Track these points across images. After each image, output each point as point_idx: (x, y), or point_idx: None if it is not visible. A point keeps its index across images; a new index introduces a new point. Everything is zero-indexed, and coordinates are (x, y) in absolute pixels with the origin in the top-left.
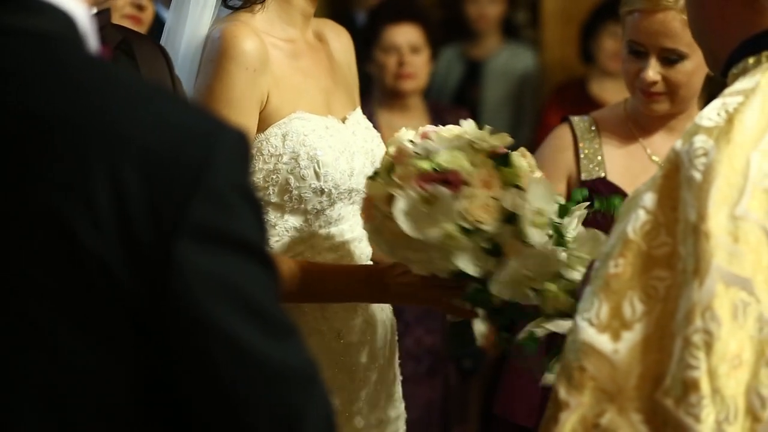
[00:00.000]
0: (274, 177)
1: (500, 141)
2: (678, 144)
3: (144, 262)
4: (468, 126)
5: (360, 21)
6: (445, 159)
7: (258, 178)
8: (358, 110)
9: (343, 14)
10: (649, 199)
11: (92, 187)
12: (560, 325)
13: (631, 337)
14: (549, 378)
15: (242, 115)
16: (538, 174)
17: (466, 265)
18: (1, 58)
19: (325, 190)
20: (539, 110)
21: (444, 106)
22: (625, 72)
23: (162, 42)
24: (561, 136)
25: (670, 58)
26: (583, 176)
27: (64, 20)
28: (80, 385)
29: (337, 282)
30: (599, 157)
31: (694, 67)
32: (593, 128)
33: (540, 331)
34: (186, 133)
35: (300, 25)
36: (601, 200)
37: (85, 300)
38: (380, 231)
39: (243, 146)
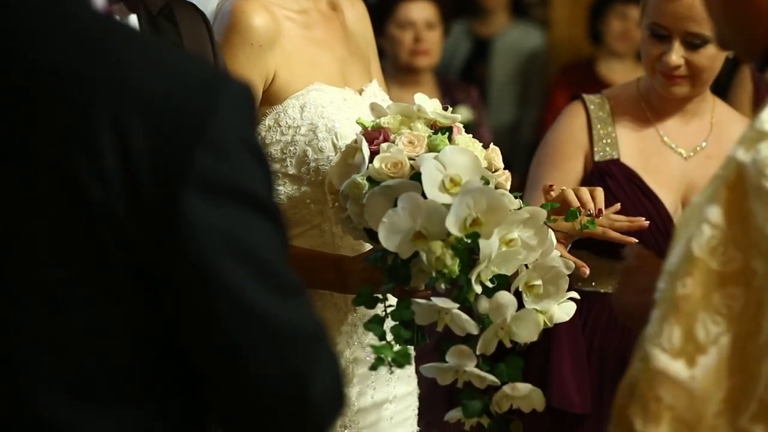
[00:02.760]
0: (291, 149)
1: (451, 120)
2: (739, 152)
3: (149, 213)
4: (430, 104)
5: None
6: (385, 120)
7: (276, 149)
8: (375, 82)
9: None
10: (713, 213)
11: (96, 136)
12: (439, 306)
13: (707, 362)
14: (452, 415)
15: None
16: (501, 170)
17: (370, 217)
18: (9, 13)
19: None
20: (546, 89)
21: (453, 82)
22: (645, 54)
23: None
24: (574, 113)
25: (694, 42)
26: (597, 157)
27: None
28: (84, 336)
29: (308, 264)
30: (613, 138)
31: (717, 51)
32: (607, 107)
33: (407, 313)
34: (190, 83)
35: None
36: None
37: (89, 252)
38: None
39: (247, 98)
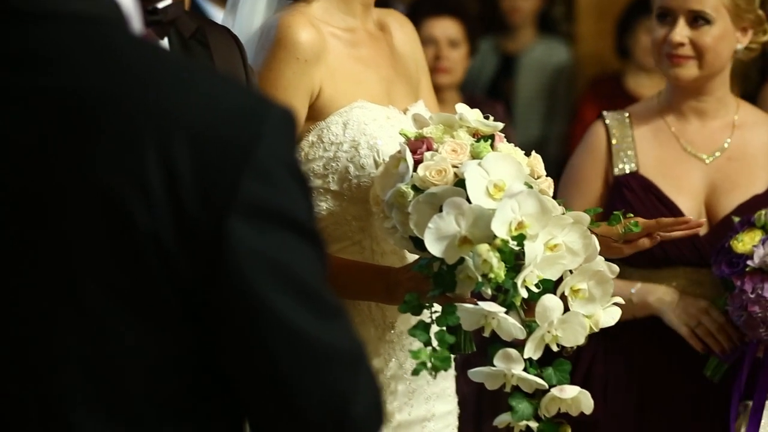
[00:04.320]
0: (333, 165)
1: (493, 129)
2: None
3: (196, 240)
4: (471, 113)
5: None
6: (428, 130)
7: (318, 165)
8: (420, 102)
9: (383, 6)
10: None
11: (144, 166)
12: (484, 309)
13: None
14: (501, 419)
15: (289, 104)
16: (543, 177)
17: (416, 224)
18: (47, 44)
19: None
20: (573, 104)
21: (480, 99)
22: (653, 42)
23: None
24: (594, 133)
25: (697, 21)
26: (616, 171)
27: (109, 3)
28: (128, 360)
29: (355, 275)
30: (632, 151)
31: (721, 33)
32: (626, 121)
33: (452, 319)
34: (234, 111)
35: (360, 14)
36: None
37: (136, 279)
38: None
39: (290, 123)
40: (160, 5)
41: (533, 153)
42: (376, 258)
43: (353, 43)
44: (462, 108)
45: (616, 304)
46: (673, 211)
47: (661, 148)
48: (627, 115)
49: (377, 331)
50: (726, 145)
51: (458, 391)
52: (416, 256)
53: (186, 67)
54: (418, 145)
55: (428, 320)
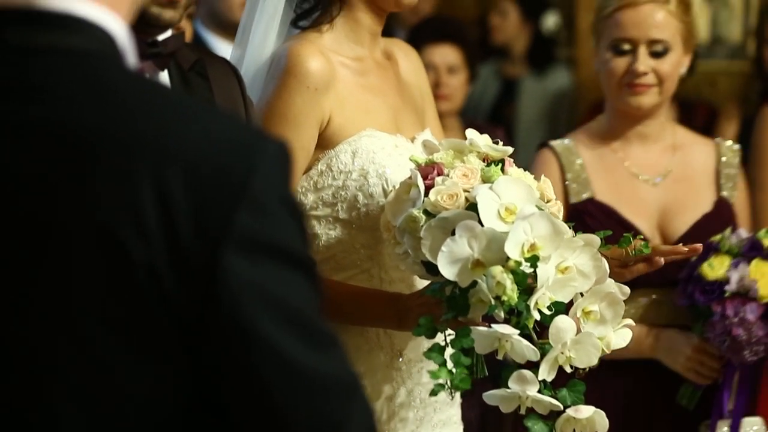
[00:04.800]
0: (342, 193)
1: (503, 153)
2: None
3: (191, 273)
4: (481, 138)
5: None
6: (438, 155)
7: (327, 194)
8: (427, 131)
9: (383, 32)
10: None
11: (139, 199)
12: (498, 332)
13: None
14: None
15: (299, 132)
16: (553, 201)
17: (429, 249)
18: (42, 77)
19: None
20: (575, 128)
21: (480, 124)
22: (609, 73)
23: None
24: (544, 162)
25: (658, 50)
26: (573, 199)
27: (103, 38)
28: (125, 395)
29: (365, 302)
30: (584, 178)
31: (677, 61)
32: (574, 149)
33: (467, 341)
34: (229, 145)
35: (368, 43)
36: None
37: (132, 312)
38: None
39: (285, 157)
40: (160, 38)
41: (543, 177)
42: (384, 286)
43: (362, 72)
44: (472, 133)
45: (627, 326)
46: (635, 234)
47: (610, 173)
48: (572, 142)
49: (386, 358)
50: (670, 168)
51: (462, 417)
52: (426, 283)
53: (181, 101)
54: (429, 171)
55: (443, 343)
